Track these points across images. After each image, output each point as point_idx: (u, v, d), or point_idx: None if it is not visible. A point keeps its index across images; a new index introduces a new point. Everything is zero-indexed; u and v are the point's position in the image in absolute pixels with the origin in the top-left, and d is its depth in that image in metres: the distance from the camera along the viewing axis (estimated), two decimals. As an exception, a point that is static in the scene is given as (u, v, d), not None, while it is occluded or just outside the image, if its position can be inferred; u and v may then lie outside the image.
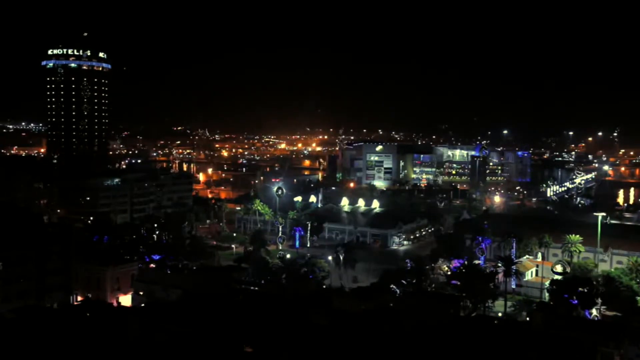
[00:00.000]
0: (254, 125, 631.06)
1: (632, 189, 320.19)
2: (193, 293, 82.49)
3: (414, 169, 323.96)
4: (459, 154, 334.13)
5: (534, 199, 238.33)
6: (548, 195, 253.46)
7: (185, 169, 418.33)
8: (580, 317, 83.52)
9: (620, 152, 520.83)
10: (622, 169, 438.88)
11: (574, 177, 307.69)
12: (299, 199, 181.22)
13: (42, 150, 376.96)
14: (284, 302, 74.73)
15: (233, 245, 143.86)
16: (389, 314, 73.49)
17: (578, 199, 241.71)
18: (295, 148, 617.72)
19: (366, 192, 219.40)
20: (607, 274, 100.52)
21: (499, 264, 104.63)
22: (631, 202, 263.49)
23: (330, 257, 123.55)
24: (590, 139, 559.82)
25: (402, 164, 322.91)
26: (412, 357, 56.47)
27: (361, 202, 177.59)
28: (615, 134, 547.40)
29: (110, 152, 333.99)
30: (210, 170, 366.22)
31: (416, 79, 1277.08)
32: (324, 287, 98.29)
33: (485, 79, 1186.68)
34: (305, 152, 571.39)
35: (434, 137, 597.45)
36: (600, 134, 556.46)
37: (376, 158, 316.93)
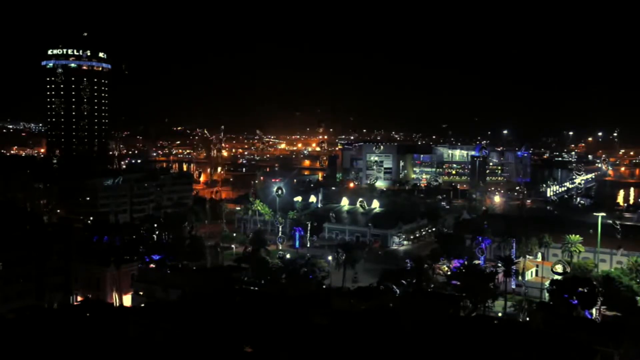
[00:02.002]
0: (254, 125, 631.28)
1: (632, 189, 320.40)
2: (193, 293, 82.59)
3: (414, 169, 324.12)
4: (459, 154, 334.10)
5: (529, 200, 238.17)
6: (548, 195, 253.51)
7: (185, 169, 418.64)
8: (580, 317, 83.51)
9: (620, 152, 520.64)
10: (622, 169, 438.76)
11: (574, 177, 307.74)
12: (299, 199, 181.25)
13: (42, 150, 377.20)
14: (284, 302, 74.75)
15: (233, 246, 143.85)
16: (389, 314, 73.55)
17: (578, 199, 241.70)
18: (295, 148, 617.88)
19: (366, 192, 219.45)
20: (607, 274, 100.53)
21: (499, 264, 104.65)
22: (631, 202, 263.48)
23: (330, 257, 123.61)
24: (590, 139, 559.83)
25: (402, 164, 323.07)
26: (412, 357, 56.48)
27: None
28: (615, 134, 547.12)
29: (110, 152, 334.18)
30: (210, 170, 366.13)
31: (416, 78, 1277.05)
32: (324, 287, 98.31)
33: (486, 79, 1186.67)
34: (305, 152, 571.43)
35: (434, 137, 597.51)
36: (600, 134, 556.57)
37: (376, 158, 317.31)
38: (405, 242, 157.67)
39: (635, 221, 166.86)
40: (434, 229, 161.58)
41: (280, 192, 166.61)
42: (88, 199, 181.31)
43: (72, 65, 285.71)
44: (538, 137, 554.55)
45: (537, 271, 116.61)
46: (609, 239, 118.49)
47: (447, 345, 57.80)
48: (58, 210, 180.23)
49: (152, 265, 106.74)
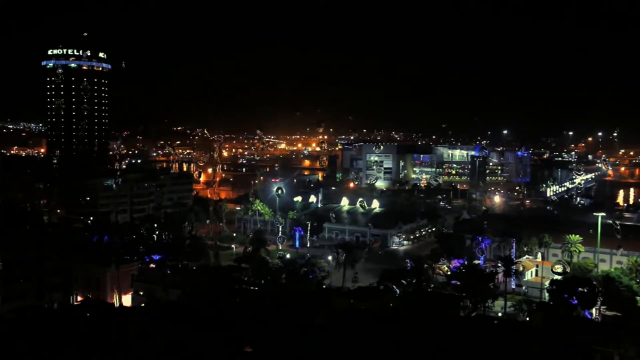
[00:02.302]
0: (254, 125, 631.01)
1: (632, 189, 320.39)
2: (193, 293, 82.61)
3: (414, 169, 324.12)
4: (458, 154, 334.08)
5: (527, 201, 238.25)
6: (548, 195, 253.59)
7: (185, 169, 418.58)
8: (580, 317, 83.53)
9: (620, 152, 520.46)
10: (622, 169, 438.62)
11: (574, 177, 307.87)
12: (299, 199, 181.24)
13: (42, 150, 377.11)
14: (284, 302, 74.74)
15: (233, 246, 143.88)
16: (389, 314, 73.57)
17: (578, 199, 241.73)
18: (295, 148, 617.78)
19: (366, 192, 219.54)
20: (607, 274, 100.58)
21: (499, 264, 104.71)
22: (631, 202, 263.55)
23: (330, 257, 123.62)
24: (590, 139, 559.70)
25: (402, 164, 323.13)
26: (412, 357, 56.49)
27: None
28: (615, 134, 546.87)
29: (110, 152, 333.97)
30: (210, 170, 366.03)
31: (416, 79, 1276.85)
32: (324, 287, 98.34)
33: (486, 79, 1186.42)
34: (305, 152, 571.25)
35: (434, 137, 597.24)
36: (600, 134, 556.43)
37: (376, 158, 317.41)
38: (405, 242, 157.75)
39: (635, 221, 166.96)
40: (434, 229, 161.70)
41: (280, 192, 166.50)
42: (88, 199, 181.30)
43: (72, 65, 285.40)
44: (538, 137, 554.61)
45: (537, 271, 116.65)
46: (609, 239, 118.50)
47: (447, 345, 57.80)
48: (58, 210, 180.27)
49: (152, 265, 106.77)
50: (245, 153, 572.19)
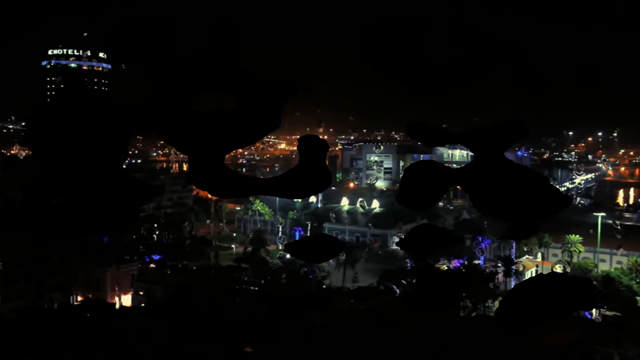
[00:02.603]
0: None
1: (632, 189, 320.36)
2: (192, 293, 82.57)
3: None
4: (458, 154, 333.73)
5: None
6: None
7: (185, 169, 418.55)
8: (580, 317, 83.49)
9: (620, 152, 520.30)
10: (622, 169, 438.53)
11: (574, 177, 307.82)
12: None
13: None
14: (284, 302, 74.72)
15: (233, 246, 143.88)
16: (389, 314, 73.48)
17: (578, 199, 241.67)
18: (295, 148, 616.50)
19: (366, 192, 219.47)
20: (607, 274, 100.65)
21: (499, 264, 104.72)
22: (631, 202, 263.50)
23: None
24: (590, 139, 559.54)
25: (402, 164, 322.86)
26: (412, 357, 56.47)
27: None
28: (615, 134, 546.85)
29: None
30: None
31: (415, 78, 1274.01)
32: (324, 287, 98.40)
33: (485, 79, 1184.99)
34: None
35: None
36: (600, 134, 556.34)
37: (376, 158, 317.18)
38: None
39: (635, 221, 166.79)
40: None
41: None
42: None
43: (72, 65, 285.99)
44: (538, 137, 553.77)
45: (537, 271, 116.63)
46: (609, 239, 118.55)
47: (447, 345, 57.78)
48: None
49: (152, 265, 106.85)
50: (245, 153, 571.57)
